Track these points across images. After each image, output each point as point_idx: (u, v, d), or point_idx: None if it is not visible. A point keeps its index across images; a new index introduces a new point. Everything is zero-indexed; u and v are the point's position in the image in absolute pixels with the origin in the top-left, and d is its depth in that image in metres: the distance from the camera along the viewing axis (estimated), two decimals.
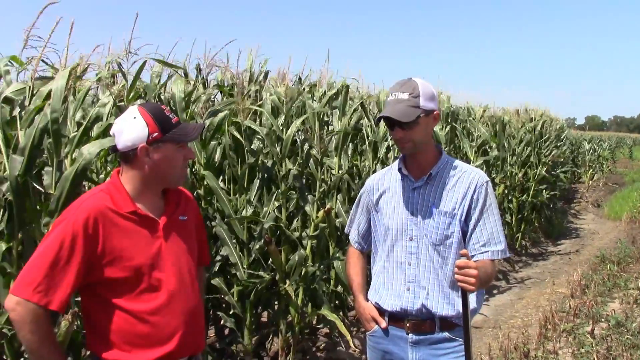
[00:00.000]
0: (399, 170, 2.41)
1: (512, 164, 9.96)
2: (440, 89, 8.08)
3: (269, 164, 4.57)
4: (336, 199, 5.15)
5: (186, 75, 4.93)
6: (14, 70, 3.29)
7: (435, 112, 2.31)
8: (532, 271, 9.02)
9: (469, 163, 6.16)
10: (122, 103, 3.69)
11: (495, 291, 7.58)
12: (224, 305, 4.49)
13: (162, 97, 4.47)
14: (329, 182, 5.10)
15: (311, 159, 5.04)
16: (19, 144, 2.90)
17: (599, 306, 5.84)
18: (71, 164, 3.06)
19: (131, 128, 1.97)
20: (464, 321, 2.17)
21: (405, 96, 2.26)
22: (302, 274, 4.54)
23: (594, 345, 4.73)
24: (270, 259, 4.44)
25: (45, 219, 2.90)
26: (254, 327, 4.53)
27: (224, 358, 4.52)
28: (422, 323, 2.32)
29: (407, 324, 2.33)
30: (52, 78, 3.20)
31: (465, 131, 8.51)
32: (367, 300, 2.48)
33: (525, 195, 10.36)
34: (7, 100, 3.07)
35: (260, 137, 4.60)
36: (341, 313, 5.40)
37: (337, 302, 5.37)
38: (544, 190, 11.28)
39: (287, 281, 4.44)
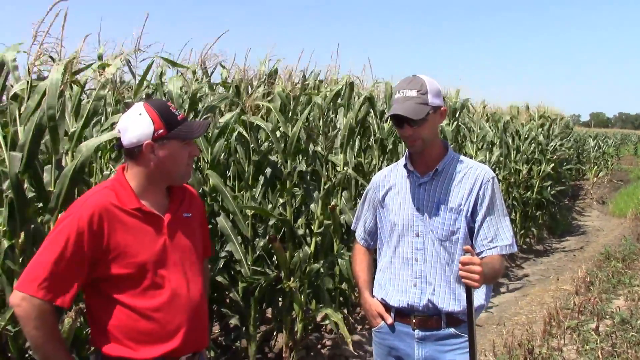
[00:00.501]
0: (405, 166, 2.40)
1: (517, 160, 9.94)
2: (448, 84, 8.07)
3: (275, 160, 4.57)
4: (341, 196, 5.15)
5: (194, 73, 4.93)
6: (23, 66, 3.25)
7: (442, 108, 2.32)
8: (536, 268, 9.01)
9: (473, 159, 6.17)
10: (130, 100, 3.69)
11: (499, 288, 7.57)
12: (228, 302, 4.50)
13: (159, 94, 4.46)
14: (334, 179, 5.10)
15: (317, 156, 5.04)
16: (18, 141, 2.88)
17: (603, 303, 5.82)
18: (72, 160, 3.05)
19: (136, 125, 1.96)
20: (469, 317, 2.18)
21: (414, 93, 2.26)
22: (307, 271, 4.54)
23: (598, 342, 4.71)
24: (275, 256, 4.45)
25: (45, 217, 2.90)
26: (258, 324, 4.54)
27: (228, 354, 4.53)
28: (429, 319, 2.32)
29: (414, 320, 2.33)
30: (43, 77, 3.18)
31: (467, 128, 8.50)
32: (373, 296, 2.48)
33: (529, 192, 10.34)
34: (16, 97, 3.05)
35: (266, 134, 4.60)
36: (345, 310, 5.40)
37: (341, 299, 5.37)
38: (549, 187, 11.26)
39: (292, 278, 4.44)
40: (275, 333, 4.89)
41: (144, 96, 4.18)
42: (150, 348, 1.96)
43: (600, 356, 4.44)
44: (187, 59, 4.79)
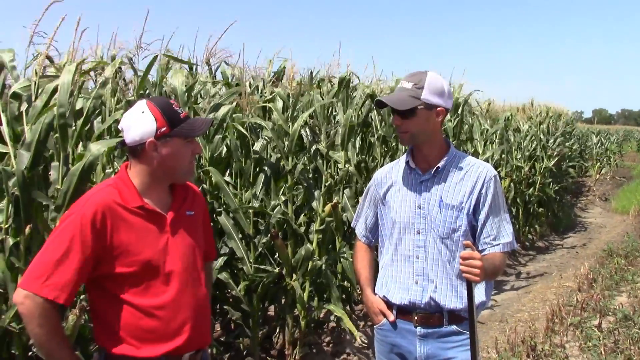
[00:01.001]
0: (407, 163, 2.40)
1: (518, 157, 9.93)
2: (451, 78, 8.05)
3: (275, 158, 4.57)
4: (343, 193, 5.15)
5: (191, 68, 4.93)
6: (20, 67, 3.29)
7: (439, 108, 2.30)
8: (539, 265, 9.00)
9: (477, 157, 6.17)
10: (132, 97, 3.70)
11: (502, 285, 7.57)
12: (230, 300, 4.50)
13: (165, 91, 4.46)
14: (335, 177, 5.10)
15: (318, 154, 5.04)
16: (25, 139, 2.91)
17: (606, 300, 5.81)
18: (75, 158, 3.07)
19: (139, 122, 1.96)
20: (469, 312, 2.18)
21: (409, 86, 2.28)
22: (309, 268, 4.55)
23: (601, 338, 4.71)
24: (277, 253, 4.45)
25: (52, 214, 2.91)
26: (261, 321, 4.55)
27: (230, 352, 4.53)
28: (431, 316, 2.32)
29: (416, 317, 2.33)
30: (55, 75, 3.20)
31: (470, 125, 8.48)
32: (375, 293, 2.48)
33: (531, 189, 10.33)
34: (16, 96, 3.08)
35: (267, 131, 4.60)
36: (348, 307, 5.41)
37: (343, 296, 5.38)
38: (551, 184, 11.25)
39: (294, 275, 4.45)
40: (277, 330, 4.90)
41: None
42: (154, 346, 1.96)
43: (603, 353, 4.44)
44: (189, 54, 4.79)
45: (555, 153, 11.50)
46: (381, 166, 5.36)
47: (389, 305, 2.41)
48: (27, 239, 2.89)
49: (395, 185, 2.43)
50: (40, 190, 2.97)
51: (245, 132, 4.35)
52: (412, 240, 2.34)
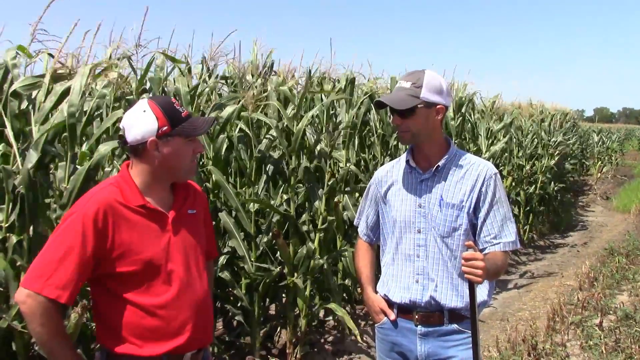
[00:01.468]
0: (407, 162, 2.40)
1: (520, 156, 9.93)
2: (454, 78, 8.05)
3: (277, 157, 4.57)
4: (344, 192, 5.15)
5: (190, 71, 4.93)
6: (22, 64, 3.31)
7: (438, 106, 2.30)
8: (540, 264, 9.00)
9: (480, 155, 6.17)
10: (132, 97, 3.71)
11: (503, 284, 7.57)
12: (232, 298, 4.51)
13: (166, 90, 4.47)
14: (337, 176, 5.10)
15: (320, 153, 5.04)
16: (32, 139, 2.93)
17: (607, 298, 5.82)
18: (79, 157, 3.10)
19: (141, 122, 1.96)
20: (472, 313, 2.17)
21: (408, 85, 2.28)
22: (310, 267, 4.55)
23: (602, 337, 4.72)
24: (278, 252, 4.45)
25: (57, 212, 2.93)
26: (262, 320, 4.55)
27: (232, 351, 4.54)
28: (431, 315, 2.32)
29: (416, 316, 2.33)
30: (63, 76, 3.25)
31: (472, 123, 8.48)
32: (376, 292, 2.49)
33: (533, 188, 10.33)
34: (15, 95, 3.09)
35: (269, 130, 4.60)
36: (349, 306, 5.41)
37: (344, 295, 5.38)
38: (552, 183, 11.24)
39: (295, 274, 4.45)
40: (279, 329, 4.90)
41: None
42: (156, 345, 1.97)
43: (604, 351, 4.45)
44: (186, 54, 4.78)
45: (556, 152, 11.50)
46: (381, 165, 5.37)
47: (390, 304, 2.41)
48: (30, 237, 2.90)
49: (396, 184, 2.43)
50: (44, 189, 2.99)
51: (248, 131, 4.35)
52: (413, 239, 2.34)
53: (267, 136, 4.63)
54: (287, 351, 4.62)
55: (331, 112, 5.54)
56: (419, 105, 2.25)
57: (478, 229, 2.31)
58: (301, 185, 4.84)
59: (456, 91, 7.98)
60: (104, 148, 2.99)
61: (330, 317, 5.24)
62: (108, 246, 1.91)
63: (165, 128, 1.96)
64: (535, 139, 10.67)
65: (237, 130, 4.44)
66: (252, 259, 4.25)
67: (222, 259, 4.20)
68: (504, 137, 9.09)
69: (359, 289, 5.49)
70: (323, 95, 5.23)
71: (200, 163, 4.22)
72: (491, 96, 9.99)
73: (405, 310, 2.37)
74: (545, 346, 4.68)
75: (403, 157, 2.45)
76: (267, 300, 4.69)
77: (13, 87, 3.07)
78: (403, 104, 2.25)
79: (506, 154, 9.09)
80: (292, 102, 4.78)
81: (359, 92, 5.91)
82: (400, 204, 2.38)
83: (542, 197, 10.81)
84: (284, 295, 4.75)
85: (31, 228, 2.90)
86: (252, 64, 4.98)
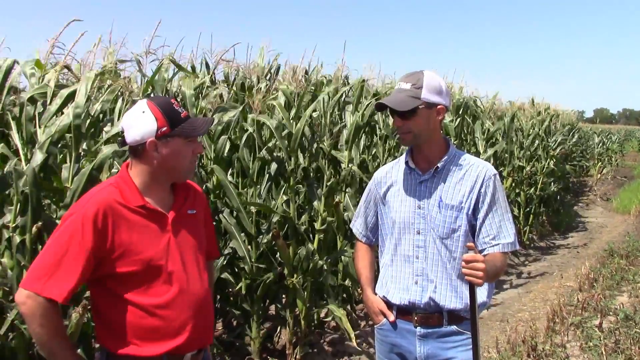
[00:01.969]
0: (406, 163, 2.40)
1: (520, 157, 9.92)
2: (452, 80, 8.06)
3: (279, 157, 4.57)
4: (345, 192, 5.15)
5: (194, 70, 4.95)
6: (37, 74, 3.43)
7: (439, 106, 2.30)
8: (540, 265, 9.00)
9: (478, 156, 6.16)
10: (137, 98, 3.74)
11: (503, 285, 7.57)
12: (232, 299, 4.51)
13: (169, 93, 4.50)
14: (337, 176, 5.10)
15: (321, 153, 5.04)
16: (37, 141, 2.99)
17: (607, 300, 5.81)
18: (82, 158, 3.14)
19: (140, 122, 1.96)
20: (472, 314, 2.17)
21: (408, 86, 2.28)
22: (310, 267, 4.55)
23: (602, 338, 4.71)
24: (278, 253, 4.46)
25: (60, 212, 2.95)
26: (262, 321, 4.55)
27: (231, 351, 4.54)
28: (430, 316, 2.32)
29: (415, 317, 2.33)
30: (65, 85, 3.34)
31: (473, 124, 8.47)
32: (375, 293, 2.49)
33: (533, 189, 10.32)
34: (33, 100, 3.18)
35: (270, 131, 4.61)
36: (348, 307, 5.41)
37: (344, 295, 5.38)
38: (552, 184, 11.23)
39: (295, 275, 4.45)
40: (278, 329, 4.91)
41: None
42: (156, 345, 1.97)
43: (604, 352, 4.44)
44: (185, 57, 4.84)
45: (556, 153, 11.49)
46: (383, 165, 5.38)
47: (389, 305, 2.42)
48: (34, 237, 2.92)
49: (395, 185, 2.43)
50: (47, 189, 3.03)
51: (252, 132, 4.36)
52: (412, 241, 2.34)
53: (272, 142, 4.64)
54: (287, 352, 4.62)
55: (336, 112, 5.55)
56: (420, 106, 2.25)
57: (477, 229, 2.31)
58: (302, 186, 4.84)
59: (453, 93, 7.98)
60: (108, 149, 3.03)
61: (330, 318, 5.24)
62: (108, 246, 1.91)
63: (164, 129, 1.96)
64: (536, 140, 10.66)
65: (242, 131, 4.46)
66: (253, 260, 4.25)
67: (223, 259, 4.20)
68: (503, 138, 9.08)
69: (359, 290, 5.50)
70: (326, 96, 5.23)
71: (202, 163, 4.22)
72: (490, 96, 10.00)
73: (405, 311, 2.37)
74: (545, 347, 4.67)
75: (402, 158, 2.45)
76: (267, 300, 4.69)
77: (29, 94, 3.17)
78: (404, 105, 2.25)
79: (506, 155, 9.08)
80: (291, 102, 4.79)
81: (364, 93, 5.92)
82: (399, 205, 2.39)
83: (542, 198, 10.80)
84: (283, 296, 4.75)
85: (34, 228, 2.91)
86: (259, 66, 5.02)
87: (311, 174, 4.86)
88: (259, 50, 5.14)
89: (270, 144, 4.56)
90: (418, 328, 2.33)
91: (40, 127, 3.08)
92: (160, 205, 2.04)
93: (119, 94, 3.71)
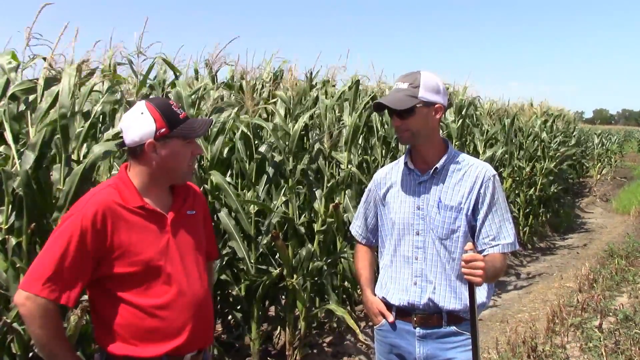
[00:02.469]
0: (405, 164, 2.40)
1: (520, 158, 9.93)
2: (452, 81, 8.05)
3: (278, 159, 4.57)
4: (344, 193, 5.15)
5: (196, 72, 4.96)
6: (18, 68, 3.34)
7: (437, 105, 2.30)
8: (539, 265, 9.00)
9: (478, 157, 6.17)
10: (132, 99, 3.73)
11: (503, 285, 7.57)
12: (231, 300, 4.51)
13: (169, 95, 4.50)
14: (337, 177, 5.10)
15: (320, 154, 5.04)
16: (29, 140, 2.94)
17: (607, 300, 5.81)
18: (78, 160, 3.10)
19: (138, 124, 1.96)
20: (471, 315, 2.17)
21: (405, 86, 2.29)
22: (309, 268, 4.55)
23: (602, 339, 4.70)
24: (278, 254, 4.45)
25: (54, 214, 2.93)
26: (261, 322, 4.55)
27: (231, 352, 4.54)
28: (430, 317, 2.32)
29: (415, 318, 2.33)
30: (55, 78, 3.26)
31: (473, 125, 8.48)
32: (375, 294, 2.48)
33: (532, 190, 10.32)
34: (14, 97, 3.11)
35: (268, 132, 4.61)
36: (348, 308, 5.41)
37: (344, 296, 5.38)
38: (552, 185, 11.23)
39: (295, 276, 4.45)
40: (278, 330, 4.90)
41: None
42: (155, 346, 1.97)
43: (604, 353, 4.44)
44: (183, 59, 4.84)
45: (556, 153, 11.49)
46: (382, 166, 5.38)
47: (388, 306, 2.41)
48: (29, 239, 2.90)
49: (395, 186, 2.43)
50: (42, 190, 2.99)
51: (249, 133, 4.36)
52: (411, 242, 2.34)
53: (268, 142, 4.64)
54: (287, 353, 4.61)
55: (337, 114, 5.56)
56: (417, 105, 2.25)
57: (477, 230, 2.31)
58: (301, 187, 4.84)
59: (456, 94, 7.99)
60: (99, 149, 2.98)
61: (330, 319, 5.23)
62: (107, 247, 1.91)
63: (163, 130, 1.96)
64: (536, 141, 10.67)
65: (239, 132, 4.46)
66: (252, 261, 4.25)
67: (222, 261, 4.20)
68: (503, 139, 9.09)
69: (358, 291, 5.50)
70: (324, 97, 5.24)
71: (200, 164, 4.22)
72: (490, 98, 10.00)
73: (404, 312, 2.36)
74: (545, 348, 4.67)
75: (402, 159, 2.45)
76: (267, 301, 4.69)
77: (10, 90, 3.09)
78: (402, 104, 2.26)
79: (506, 156, 9.08)
80: (287, 104, 4.79)
81: (363, 95, 5.93)
82: (399, 206, 2.39)
83: (542, 198, 10.80)
84: (283, 296, 4.75)
85: (30, 229, 2.90)
86: (265, 71, 5.05)
87: (311, 175, 4.86)
88: (265, 56, 5.23)
89: (266, 146, 4.55)
90: (417, 329, 2.33)
91: (32, 126, 3.04)
92: (159, 206, 2.04)
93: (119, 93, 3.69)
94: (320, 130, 5.09)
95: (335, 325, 5.25)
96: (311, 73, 5.86)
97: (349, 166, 5.19)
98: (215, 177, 4.08)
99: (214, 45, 4.77)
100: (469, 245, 2.12)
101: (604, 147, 24.79)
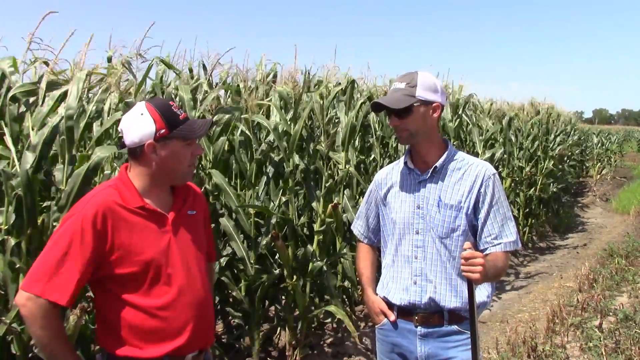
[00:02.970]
0: (405, 163, 2.41)
1: (520, 158, 9.93)
2: (450, 81, 8.05)
3: (277, 159, 4.57)
4: (343, 194, 5.15)
5: (191, 71, 4.96)
6: (19, 71, 3.37)
7: (434, 104, 2.31)
8: (539, 265, 9.00)
9: (477, 156, 6.15)
10: (130, 99, 3.73)
11: (502, 285, 7.57)
12: (231, 300, 4.50)
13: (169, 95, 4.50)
14: (335, 177, 5.10)
15: (318, 154, 5.04)
16: (30, 142, 2.96)
17: (607, 300, 5.81)
18: (77, 160, 3.12)
19: (138, 124, 1.96)
20: (470, 312, 2.17)
21: (402, 86, 2.30)
22: (309, 269, 4.55)
23: (602, 339, 4.71)
24: (278, 254, 4.45)
25: (55, 214, 2.94)
26: (261, 322, 4.55)
27: (231, 353, 4.54)
28: (431, 316, 2.32)
29: (416, 317, 2.34)
30: (59, 82, 3.30)
31: (472, 124, 8.47)
32: (376, 294, 2.49)
33: (532, 190, 10.32)
34: (14, 99, 3.13)
35: (269, 133, 4.61)
36: (348, 308, 5.41)
37: (344, 297, 5.38)
38: (552, 184, 11.23)
39: (294, 276, 4.45)
40: (278, 331, 4.90)
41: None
42: (157, 346, 1.97)
43: (604, 353, 4.44)
44: (180, 60, 4.84)
45: (556, 153, 11.49)
46: (380, 167, 5.38)
47: (390, 305, 2.42)
48: (29, 239, 2.91)
49: (395, 186, 2.43)
50: (43, 191, 3.01)
51: (249, 133, 4.36)
52: (411, 241, 2.34)
53: (268, 139, 4.64)
54: (287, 353, 4.61)
55: (332, 114, 5.56)
56: (415, 104, 2.26)
57: (479, 230, 2.31)
58: (300, 187, 4.84)
59: (453, 93, 7.98)
60: (102, 151, 3.02)
61: (330, 319, 5.23)
62: (107, 248, 1.91)
63: (163, 131, 1.96)
64: (535, 141, 10.67)
65: (239, 132, 4.46)
66: (252, 261, 4.25)
67: (222, 261, 4.20)
68: (503, 139, 9.09)
69: (359, 291, 5.50)
70: (319, 98, 5.24)
71: (200, 165, 4.22)
72: (489, 97, 10.01)
73: (405, 311, 2.37)
74: (545, 348, 4.67)
75: (402, 159, 2.46)
76: (267, 302, 4.69)
77: (11, 92, 3.11)
78: (400, 103, 2.26)
79: (505, 156, 9.08)
80: (288, 103, 4.79)
81: (358, 95, 5.92)
82: (399, 205, 2.39)
83: (542, 198, 10.81)
84: (283, 297, 4.74)
85: (29, 230, 2.90)
86: (258, 71, 5.05)
87: (310, 175, 4.86)
88: (258, 59, 5.22)
89: (266, 145, 4.55)
90: (419, 328, 2.33)
91: (32, 129, 3.06)
92: (159, 206, 2.04)
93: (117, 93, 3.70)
94: (317, 130, 5.09)
95: (335, 325, 5.25)
96: (308, 73, 5.86)
97: (347, 166, 5.19)
98: (216, 177, 4.08)
99: (205, 42, 4.79)
100: (468, 243, 2.12)
101: (604, 147, 24.81)
